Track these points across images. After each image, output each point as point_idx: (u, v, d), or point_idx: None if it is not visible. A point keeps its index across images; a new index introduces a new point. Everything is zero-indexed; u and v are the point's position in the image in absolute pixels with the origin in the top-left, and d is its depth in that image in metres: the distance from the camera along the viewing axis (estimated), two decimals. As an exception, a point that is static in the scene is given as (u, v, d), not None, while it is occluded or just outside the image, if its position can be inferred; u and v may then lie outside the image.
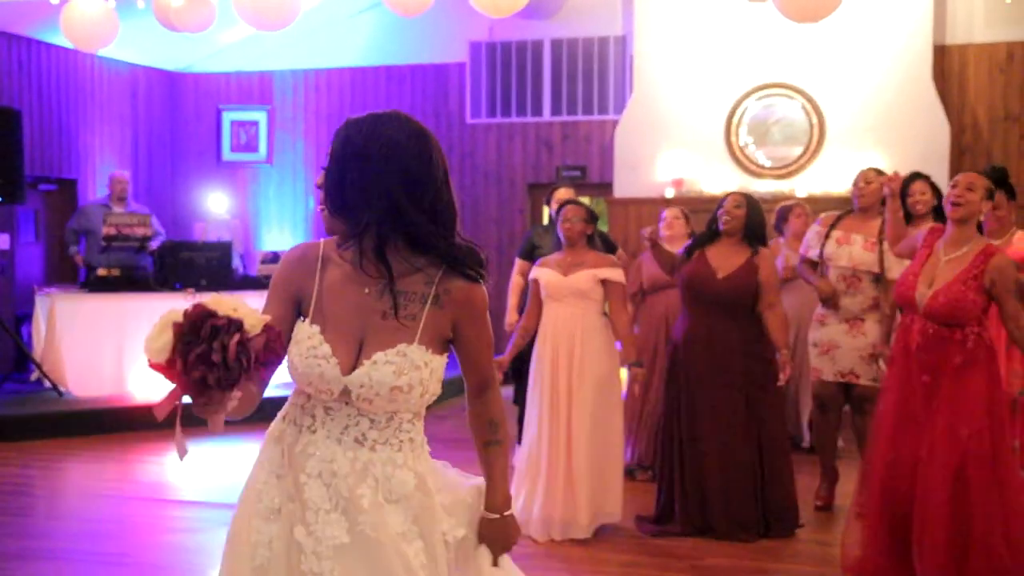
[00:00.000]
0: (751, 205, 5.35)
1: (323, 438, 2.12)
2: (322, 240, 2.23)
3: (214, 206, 11.60)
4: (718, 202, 5.46)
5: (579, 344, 5.18)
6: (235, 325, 1.83)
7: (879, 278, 5.55)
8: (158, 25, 8.04)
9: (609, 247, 6.27)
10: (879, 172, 5.75)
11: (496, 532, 2.25)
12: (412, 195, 2.07)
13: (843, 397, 5.81)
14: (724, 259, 5.29)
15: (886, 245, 5.37)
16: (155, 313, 7.36)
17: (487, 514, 2.25)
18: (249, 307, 1.89)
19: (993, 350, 4.28)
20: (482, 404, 2.29)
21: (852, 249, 5.60)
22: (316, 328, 2.12)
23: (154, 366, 1.85)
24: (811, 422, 7.13)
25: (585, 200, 11.58)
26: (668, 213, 6.81)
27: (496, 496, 2.26)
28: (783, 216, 7.23)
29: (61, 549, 5.15)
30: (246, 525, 2.17)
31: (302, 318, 2.16)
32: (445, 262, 2.13)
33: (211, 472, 6.84)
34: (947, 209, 4.34)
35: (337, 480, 2.09)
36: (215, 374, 1.82)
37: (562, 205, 5.51)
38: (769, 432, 5.29)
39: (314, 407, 2.15)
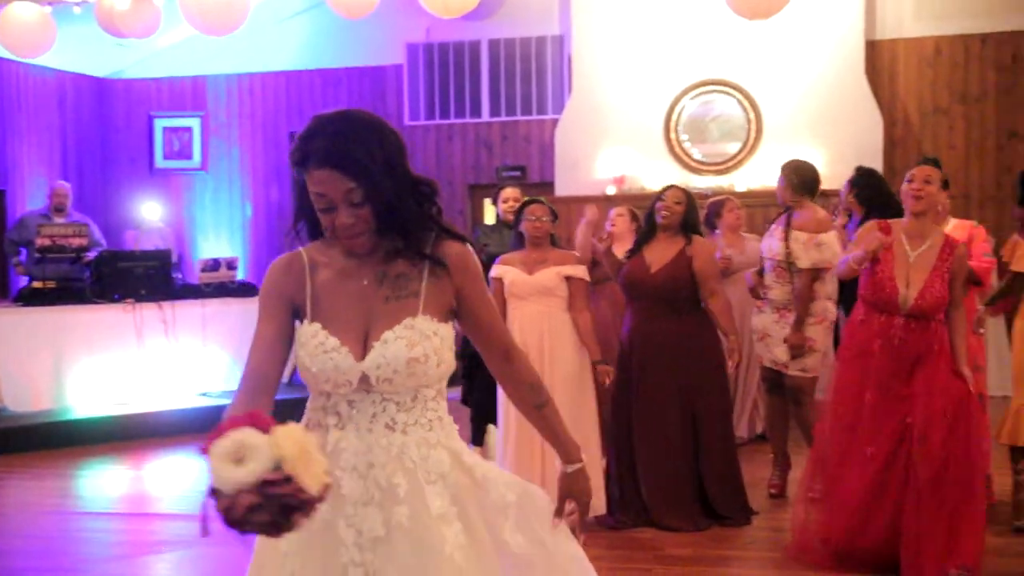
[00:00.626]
0: (690, 200, 5.45)
1: (353, 432, 2.09)
2: (302, 248, 2.20)
3: (147, 214, 11.35)
4: (656, 195, 5.51)
5: (547, 342, 5.16)
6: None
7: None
8: (86, 31, 7.87)
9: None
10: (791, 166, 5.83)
11: (579, 482, 2.26)
12: (414, 179, 2.12)
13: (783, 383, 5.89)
14: (658, 253, 5.37)
15: (793, 235, 5.56)
16: (92, 325, 7.15)
17: (568, 467, 2.26)
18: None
19: None
20: (513, 371, 2.26)
21: (772, 241, 5.75)
22: (318, 325, 2.09)
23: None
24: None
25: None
26: (614, 211, 6.82)
27: (570, 448, 2.27)
28: (716, 211, 7.22)
29: (10, 567, 5.00)
30: None
31: (300, 322, 2.13)
32: (437, 231, 2.14)
33: (155, 485, 6.71)
34: (908, 203, 4.47)
35: (375, 470, 2.06)
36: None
37: (525, 204, 5.47)
38: (707, 427, 5.34)
39: (336, 404, 2.11)
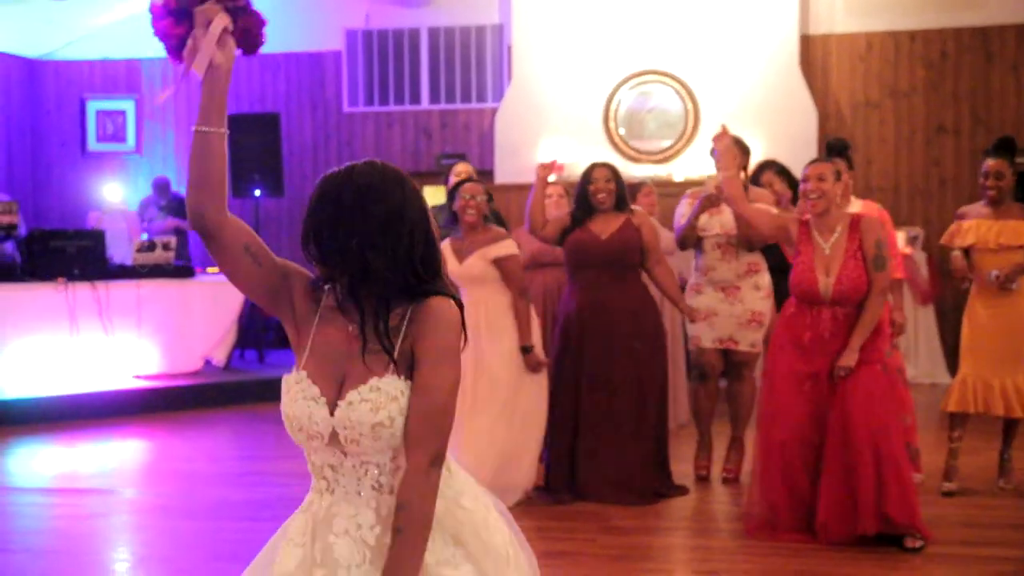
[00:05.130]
0: (617, 176, 5.51)
1: (342, 496, 2.06)
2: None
3: (109, 196, 11.00)
4: (584, 177, 5.50)
5: (484, 329, 5.05)
6: None
7: (752, 246, 5.74)
8: (16, 11, 7.68)
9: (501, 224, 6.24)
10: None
11: None
12: (385, 239, 2.01)
13: (722, 364, 5.94)
14: (603, 224, 5.39)
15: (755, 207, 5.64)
16: (23, 304, 7.00)
17: None
18: None
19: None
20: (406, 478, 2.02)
21: (723, 218, 5.75)
22: (304, 373, 2.06)
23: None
24: None
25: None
26: (552, 191, 6.82)
27: None
28: (631, 195, 7.17)
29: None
30: None
31: (290, 371, 2.10)
32: (422, 293, 2.05)
33: (87, 464, 6.60)
34: (807, 205, 4.59)
35: (363, 531, 2.03)
36: None
37: (459, 183, 5.34)
38: (658, 392, 5.40)
39: (321, 468, 2.09)
